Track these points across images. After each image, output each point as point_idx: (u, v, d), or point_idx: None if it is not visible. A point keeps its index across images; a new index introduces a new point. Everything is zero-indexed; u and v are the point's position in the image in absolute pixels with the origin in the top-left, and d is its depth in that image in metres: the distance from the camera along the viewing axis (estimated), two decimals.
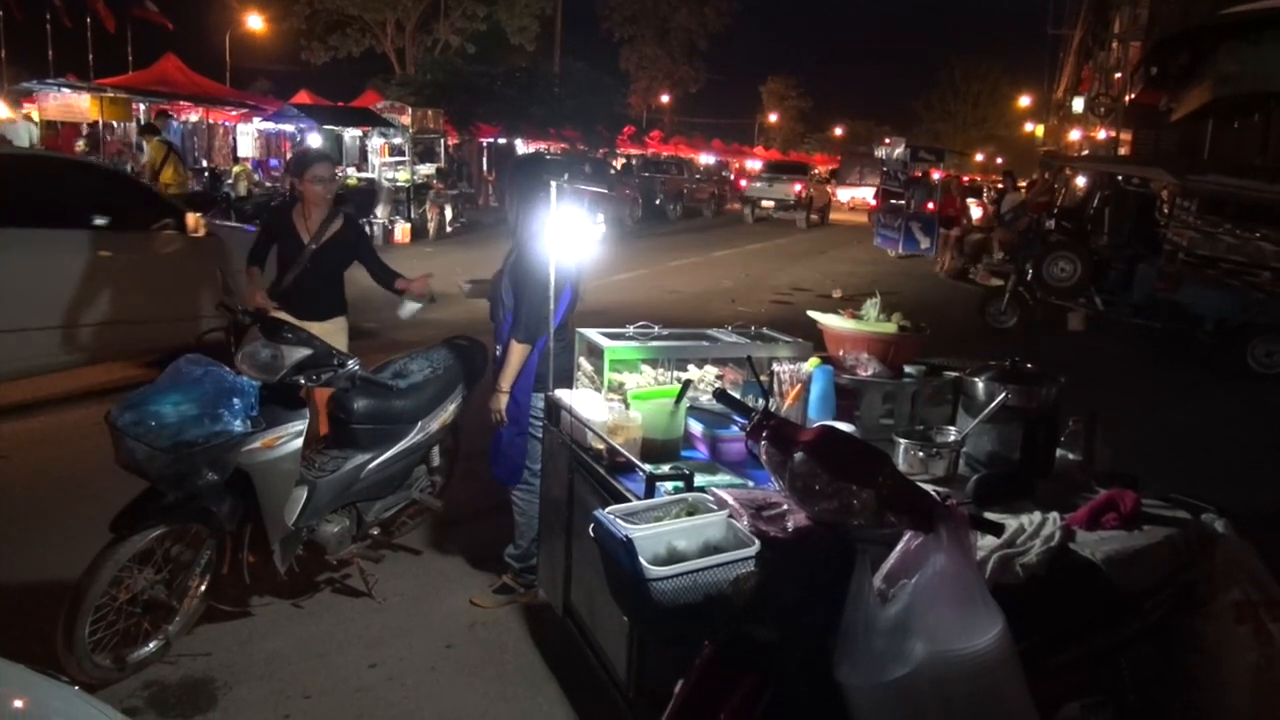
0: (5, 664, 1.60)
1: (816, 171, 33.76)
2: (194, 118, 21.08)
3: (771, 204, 27.85)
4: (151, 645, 3.26)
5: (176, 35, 22.36)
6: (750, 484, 2.64)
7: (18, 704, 1.52)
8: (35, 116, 18.74)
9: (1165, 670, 2.49)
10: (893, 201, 20.24)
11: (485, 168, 28.29)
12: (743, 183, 30.64)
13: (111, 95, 17.55)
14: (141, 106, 18.56)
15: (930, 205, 18.30)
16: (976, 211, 21.98)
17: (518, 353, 3.61)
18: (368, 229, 15.34)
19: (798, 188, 28.42)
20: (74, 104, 17.88)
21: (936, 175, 20.91)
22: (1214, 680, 2.40)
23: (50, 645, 2.99)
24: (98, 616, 3.06)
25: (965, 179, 26.57)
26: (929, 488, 2.11)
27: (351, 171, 17.94)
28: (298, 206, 4.55)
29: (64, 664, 2.94)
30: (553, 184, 3.38)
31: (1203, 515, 2.58)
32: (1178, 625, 2.46)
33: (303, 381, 3.47)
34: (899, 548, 2.06)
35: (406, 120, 19.17)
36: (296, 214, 4.54)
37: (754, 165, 46.93)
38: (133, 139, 17.21)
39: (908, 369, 3.28)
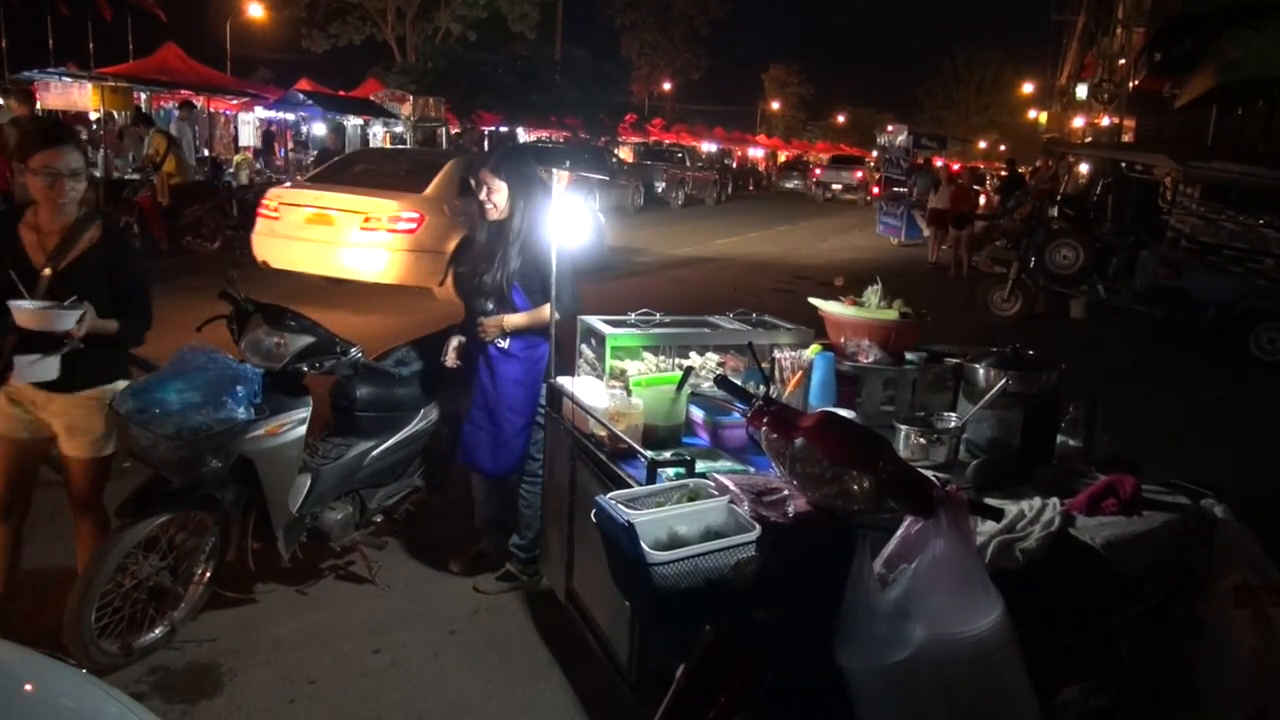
0: (14, 649, 1.61)
1: (870, 161, 37.69)
2: (195, 106, 21.02)
3: (840, 187, 35.55)
4: (157, 631, 3.28)
5: (177, 24, 22.27)
6: (751, 470, 2.66)
7: (28, 688, 1.53)
8: (37, 106, 18.71)
9: (1164, 654, 2.51)
10: (895, 189, 20.20)
11: None
12: (817, 171, 38.91)
13: (113, 84, 17.51)
14: (143, 96, 18.53)
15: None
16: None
17: (544, 316, 3.53)
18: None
19: (859, 174, 35.33)
20: (75, 94, 17.84)
21: (939, 162, 20.82)
22: (1213, 664, 2.42)
23: (57, 632, 3.01)
24: (104, 603, 3.07)
25: (969, 165, 26.43)
26: (929, 473, 2.12)
27: None
28: (28, 213, 3.09)
29: (71, 650, 2.96)
30: (553, 172, 3.39)
31: (1202, 500, 2.59)
32: (1177, 610, 2.48)
33: (306, 369, 3.48)
34: (899, 533, 2.08)
35: (407, 109, 19.14)
36: (25, 225, 3.08)
37: (756, 153, 47.02)
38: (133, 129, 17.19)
39: (909, 355, 3.28)
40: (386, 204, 9.01)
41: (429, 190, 9.35)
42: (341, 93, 22.77)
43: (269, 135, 23.03)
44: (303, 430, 3.45)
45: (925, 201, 17.95)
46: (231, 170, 16.50)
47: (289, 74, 27.14)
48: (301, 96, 19.64)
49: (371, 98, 20.99)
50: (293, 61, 31.65)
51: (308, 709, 3.06)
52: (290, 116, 21.51)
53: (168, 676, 3.17)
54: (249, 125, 22.88)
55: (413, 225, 8.97)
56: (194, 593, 3.40)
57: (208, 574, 3.43)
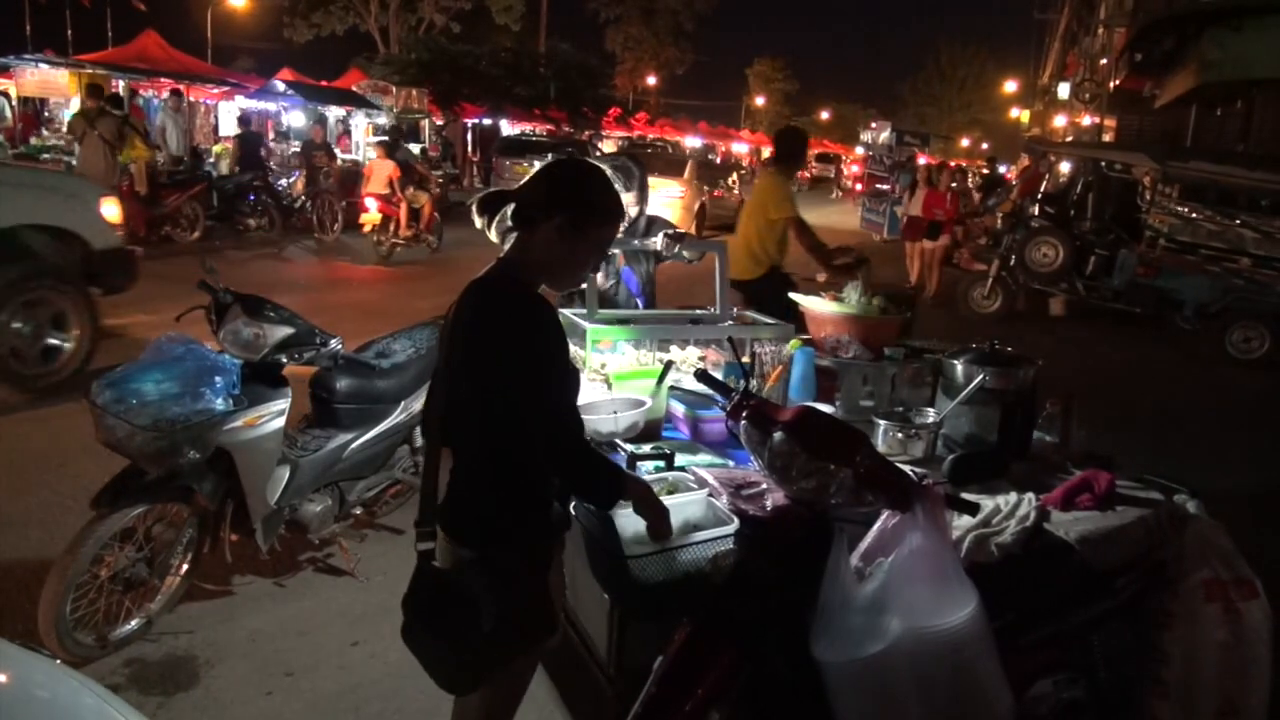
0: None
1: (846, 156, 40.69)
2: (183, 96, 20.81)
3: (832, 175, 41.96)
4: (134, 623, 3.26)
5: (157, 11, 22.08)
6: (731, 464, 2.67)
7: (2, 679, 1.52)
8: (13, 92, 18.49)
9: (1136, 647, 2.53)
10: (878, 186, 20.27)
11: (470, 148, 28.12)
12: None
13: (91, 72, 17.32)
14: (120, 83, 18.33)
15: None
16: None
17: None
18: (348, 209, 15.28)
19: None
20: (52, 80, 17.63)
21: (921, 160, 20.84)
22: (1183, 657, 2.44)
23: (32, 623, 2.99)
24: (79, 594, 3.06)
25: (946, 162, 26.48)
26: (907, 468, 2.14)
27: (337, 152, 17.82)
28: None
29: (46, 641, 2.94)
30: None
31: (1175, 496, 2.62)
32: (1149, 604, 2.50)
33: (285, 360, 3.46)
34: (876, 526, 2.09)
35: (390, 100, 19.03)
36: None
37: (740, 148, 47.07)
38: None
39: (888, 351, 3.30)
40: (669, 182, 17.09)
41: (685, 174, 18.35)
42: (324, 83, 22.59)
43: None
44: (281, 422, 3.43)
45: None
46: (212, 160, 16.35)
47: (271, 63, 26.90)
48: (282, 86, 19.47)
49: (354, 88, 20.84)
50: (275, 51, 31.41)
51: (285, 701, 3.06)
52: (271, 106, 21.29)
53: (144, 668, 3.15)
54: (230, 115, 22.60)
55: (681, 193, 17.48)
56: (171, 584, 3.37)
57: (185, 566, 3.41)
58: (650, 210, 4.02)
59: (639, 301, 4.00)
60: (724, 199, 20.31)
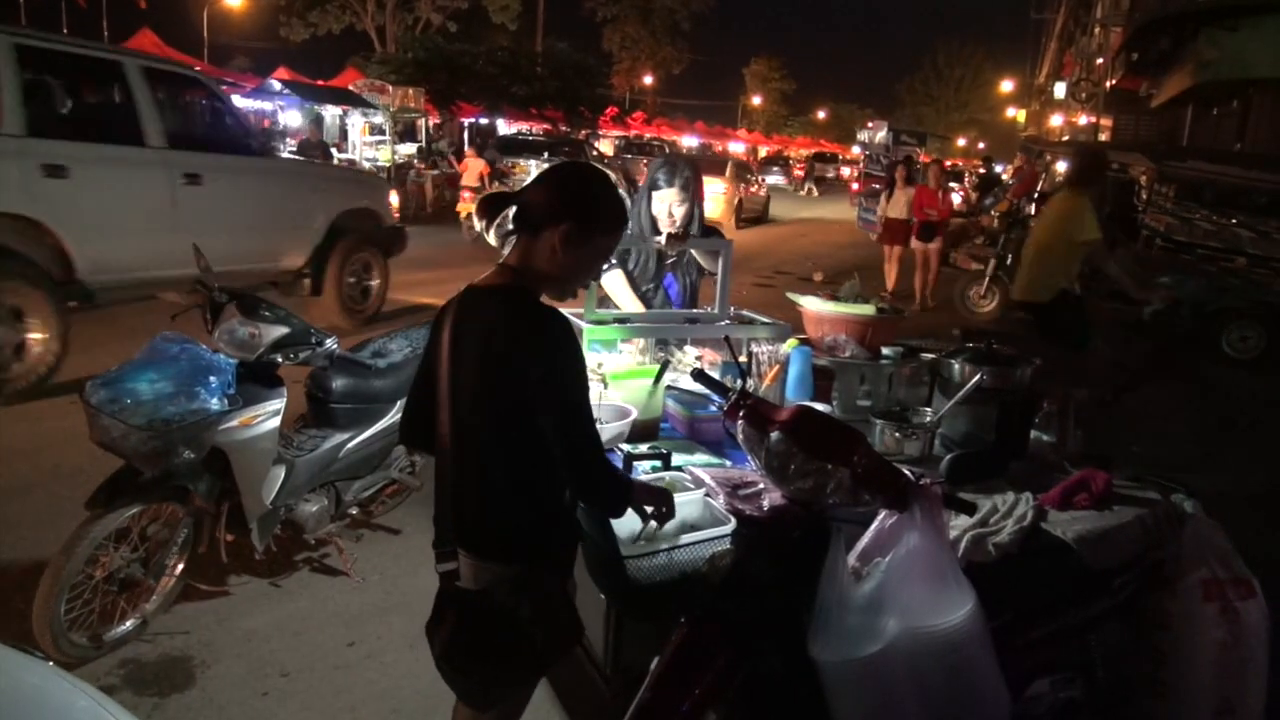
0: None
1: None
2: None
3: (832, 175, 43.51)
4: (129, 624, 3.25)
5: (153, 10, 22.05)
6: (728, 463, 2.66)
7: None
8: None
9: (1133, 647, 2.53)
10: (874, 186, 20.28)
11: (466, 147, 28.13)
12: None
13: None
14: None
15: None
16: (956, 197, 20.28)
17: None
18: None
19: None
20: None
21: (924, 160, 20.84)
22: (1180, 656, 2.44)
23: (26, 624, 2.98)
24: (74, 595, 3.04)
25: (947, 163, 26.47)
26: (904, 467, 2.13)
27: (334, 151, 17.81)
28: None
29: (40, 642, 2.93)
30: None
31: (1173, 495, 2.61)
32: (1146, 603, 2.50)
33: (280, 360, 3.45)
34: (873, 526, 2.08)
35: (387, 99, 19.03)
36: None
37: (737, 147, 47.15)
38: None
39: (885, 350, 3.29)
40: (713, 180, 18.73)
41: (727, 173, 20.78)
42: (320, 82, 22.57)
43: None
44: (277, 421, 3.43)
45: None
46: None
47: (267, 62, 26.86)
48: (279, 85, 19.46)
49: (350, 87, 20.83)
50: (271, 50, 31.38)
51: (281, 701, 3.05)
52: (268, 105, 21.28)
53: (139, 669, 3.14)
54: None
55: (724, 189, 19.96)
56: (166, 585, 3.36)
57: (180, 566, 3.40)
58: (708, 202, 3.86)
59: None
60: (754, 195, 23.99)
